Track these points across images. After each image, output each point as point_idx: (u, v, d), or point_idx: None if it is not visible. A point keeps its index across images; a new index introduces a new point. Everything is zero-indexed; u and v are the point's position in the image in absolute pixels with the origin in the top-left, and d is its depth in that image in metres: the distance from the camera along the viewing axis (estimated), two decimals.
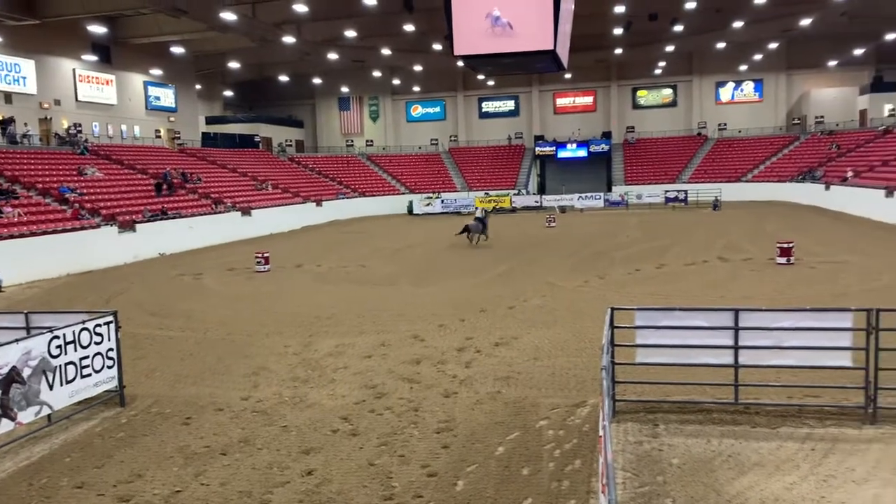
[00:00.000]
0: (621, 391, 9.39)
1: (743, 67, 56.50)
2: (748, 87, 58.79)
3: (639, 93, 61.06)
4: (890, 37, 47.03)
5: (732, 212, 40.85)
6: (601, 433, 5.86)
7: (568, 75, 57.46)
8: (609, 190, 53.97)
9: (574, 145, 57.54)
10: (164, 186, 36.09)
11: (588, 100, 61.88)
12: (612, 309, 8.87)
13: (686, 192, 48.78)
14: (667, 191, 49.73)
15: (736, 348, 8.78)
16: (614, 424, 8.65)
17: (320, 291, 19.83)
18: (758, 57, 53.96)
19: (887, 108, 51.28)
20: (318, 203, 47.33)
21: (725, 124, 58.09)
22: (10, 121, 34.21)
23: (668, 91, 60.75)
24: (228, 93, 62.98)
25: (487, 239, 29.54)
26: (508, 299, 17.20)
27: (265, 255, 24.22)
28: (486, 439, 8.56)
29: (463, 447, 8.37)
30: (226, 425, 9.45)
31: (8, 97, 35.19)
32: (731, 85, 59.02)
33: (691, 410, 9.11)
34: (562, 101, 62.30)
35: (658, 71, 58.77)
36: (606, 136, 58.75)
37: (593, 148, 57.14)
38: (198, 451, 8.58)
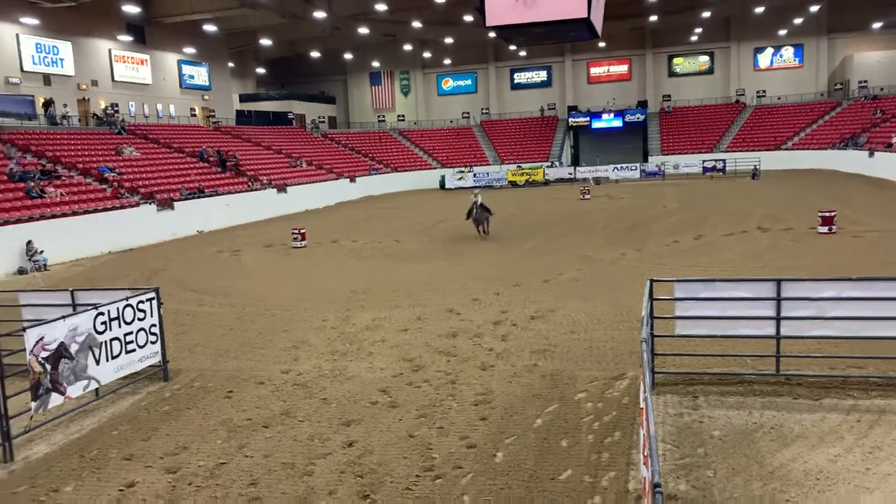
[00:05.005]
0: (660, 363, 9.32)
1: (782, 32, 54.93)
2: (788, 52, 57.13)
3: (675, 60, 59.75)
4: None
5: (772, 181, 40.02)
6: (642, 405, 5.83)
7: (602, 44, 56.47)
8: (645, 160, 53.15)
9: (609, 115, 56.56)
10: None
11: (623, 68, 60.78)
12: (652, 281, 8.78)
13: (724, 161, 47.81)
14: (704, 160, 48.85)
15: (778, 319, 8.64)
16: (654, 396, 8.57)
17: (356, 266, 19.97)
18: (798, 21, 52.44)
19: None
20: (352, 179, 47.52)
21: (764, 91, 56.65)
22: (51, 102, 34.84)
23: (705, 58, 59.34)
24: (261, 70, 63.19)
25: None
26: (543, 273, 17.13)
27: (302, 231, 24.46)
28: (524, 411, 8.58)
29: (501, 419, 8.41)
30: (267, 398, 9.61)
31: (47, 79, 35.81)
32: (769, 51, 57.40)
33: (732, 382, 9.02)
34: (595, 71, 61.27)
35: (694, 38, 57.46)
36: (642, 105, 57.71)
37: (628, 118, 56.13)
38: (240, 424, 8.75)
